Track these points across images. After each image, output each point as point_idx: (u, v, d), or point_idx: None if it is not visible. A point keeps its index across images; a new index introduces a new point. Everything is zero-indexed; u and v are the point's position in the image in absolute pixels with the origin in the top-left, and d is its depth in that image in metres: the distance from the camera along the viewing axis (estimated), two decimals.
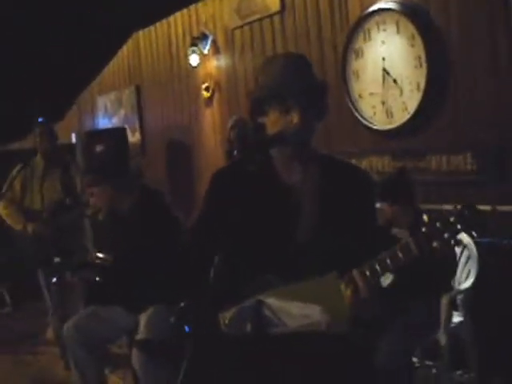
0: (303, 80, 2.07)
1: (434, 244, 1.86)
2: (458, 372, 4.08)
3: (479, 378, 3.93)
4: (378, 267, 1.92)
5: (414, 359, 4.07)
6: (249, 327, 1.91)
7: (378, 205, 3.52)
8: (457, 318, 3.90)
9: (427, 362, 4.16)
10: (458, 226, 1.85)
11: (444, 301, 3.76)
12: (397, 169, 4.32)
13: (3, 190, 5.08)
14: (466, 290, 3.90)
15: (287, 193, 2.10)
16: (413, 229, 1.92)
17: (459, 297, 3.92)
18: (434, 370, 4.11)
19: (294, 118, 2.02)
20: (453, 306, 3.86)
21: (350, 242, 2.02)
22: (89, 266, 3.90)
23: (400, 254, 1.89)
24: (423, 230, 1.88)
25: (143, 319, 3.60)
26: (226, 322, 1.94)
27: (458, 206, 1.88)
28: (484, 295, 3.88)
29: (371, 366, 2.20)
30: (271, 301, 1.91)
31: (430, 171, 4.40)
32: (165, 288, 3.51)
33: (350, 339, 2.00)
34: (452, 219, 1.86)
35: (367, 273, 1.92)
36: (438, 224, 1.87)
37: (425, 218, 1.90)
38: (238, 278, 2.06)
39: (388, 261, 1.91)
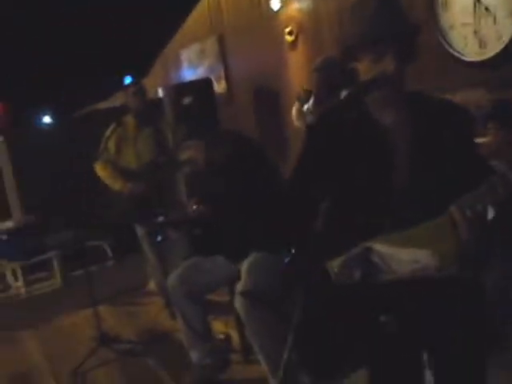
0: (397, 25, 1.98)
1: None
2: None
3: None
4: (476, 202, 1.85)
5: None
6: (358, 275, 1.88)
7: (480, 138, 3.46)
8: None
9: None
10: None
11: None
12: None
13: (99, 151, 5.15)
14: None
15: (383, 136, 2.06)
16: None
17: None
18: None
19: (389, 65, 1.96)
20: None
21: (450, 181, 1.96)
22: (189, 221, 3.96)
23: (499, 187, 1.81)
24: None
25: (244, 268, 3.65)
26: (335, 270, 1.92)
27: None
28: None
29: (482, 306, 2.14)
30: (379, 247, 1.88)
31: None
32: (266, 236, 3.59)
33: (460, 281, 1.95)
34: None
35: (466, 209, 1.85)
36: None
37: None
38: (342, 226, 2.05)
39: (487, 195, 1.83)
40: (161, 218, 4.19)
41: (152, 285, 5.97)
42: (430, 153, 2.01)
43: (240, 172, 3.67)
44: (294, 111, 5.83)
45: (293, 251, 2.15)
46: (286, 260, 2.10)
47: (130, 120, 5.27)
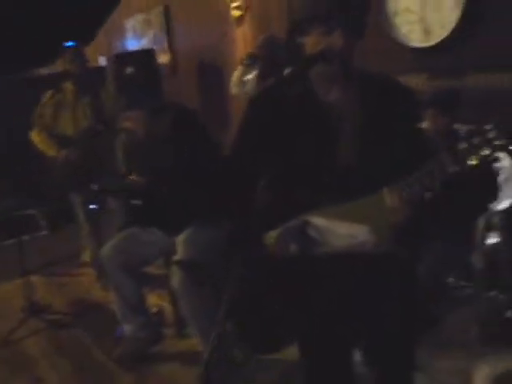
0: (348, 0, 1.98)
1: (472, 160, 1.82)
2: (493, 292, 4.08)
3: None
4: (414, 184, 1.88)
5: (450, 280, 4.08)
6: (294, 247, 1.89)
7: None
8: (492, 239, 3.87)
9: (462, 283, 4.17)
10: (497, 142, 1.80)
11: (480, 221, 3.74)
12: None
13: (34, 118, 5.08)
14: (503, 211, 3.86)
15: (326, 113, 2.05)
16: (449, 145, 1.86)
17: (496, 218, 3.88)
18: (468, 291, 4.12)
19: (338, 38, 1.94)
20: (488, 227, 3.83)
21: (392, 161, 1.98)
22: (126, 190, 3.90)
23: (436, 171, 1.86)
24: (460, 146, 1.83)
25: (181, 240, 3.63)
26: (271, 241, 1.93)
27: (498, 123, 1.81)
28: None
29: (414, 283, 2.19)
30: (317, 220, 1.89)
31: (467, 90, 4.27)
32: (204, 209, 3.58)
33: (395, 259, 1.99)
34: (491, 135, 1.80)
35: (403, 190, 1.89)
36: (475, 140, 1.82)
37: (462, 133, 1.84)
38: (281, 200, 2.05)
39: (424, 177, 1.87)
40: (95, 186, 4.11)
41: (85, 256, 5.90)
42: (375, 131, 2.02)
43: (179, 144, 3.63)
44: (234, 76, 5.81)
45: (233, 223, 2.15)
46: (226, 231, 2.09)
47: (68, 86, 5.15)
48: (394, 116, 2.04)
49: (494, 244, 3.86)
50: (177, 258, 3.55)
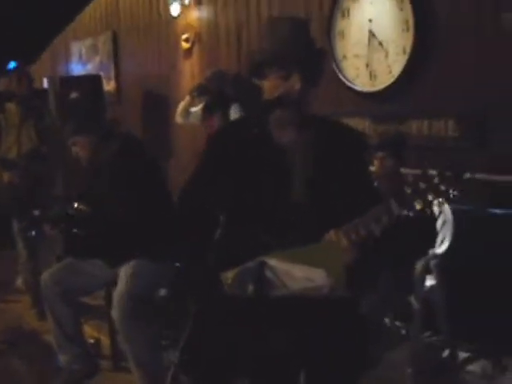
0: (307, 46, 2.08)
1: (417, 205, 1.90)
2: (428, 334, 4.17)
3: (448, 341, 4.03)
4: (361, 227, 1.94)
5: (385, 320, 4.16)
6: (251, 288, 1.91)
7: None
8: (429, 282, 3.97)
9: (397, 323, 4.25)
10: (442, 188, 1.88)
11: (418, 265, 3.84)
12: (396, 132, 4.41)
13: None
14: (440, 254, 3.97)
15: (280, 154, 2.14)
16: (396, 190, 1.94)
17: (433, 261, 3.99)
18: (403, 332, 4.21)
19: (295, 83, 2.05)
20: (426, 270, 3.93)
21: (343, 201, 2.06)
22: (68, 218, 3.84)
23: (383, 215, 1.93)
24: (407, 190, 1.90)
25: (123, 271, 3.59)
26: (229, 281, 1.94)
27: (443, 170, 1.90)
28: (457, 261, 3.95)
29: (361, 323, 2.23)
30: (274, 262, 1.92)
31: (411, 136, 4.42)
32: (147, 241, 3.55)
33: (346, 300, 2.03)
34: (436, 181, 1.89)
35: (351, 233, 1.94)
36: (421, 185, 1.90)
37: (409, 179, 1.92)
38: (238, 239, 2.08)
39: (371, 221, 1.94)
40: (36, 212, 4.03)
41: (20, 282, 5.75)
42: (325, 172, 2.11)
43: (122, 174, 3.61)
44: (180, 106, 5.85)
45: (187, 260, 2.16)
46: (179, 268, 2.10)
47: (12, 107, 5.06)
48: (343, 158, 2.14)
49: (431, 286, 3.96)
50: (117, 291, 3.50)
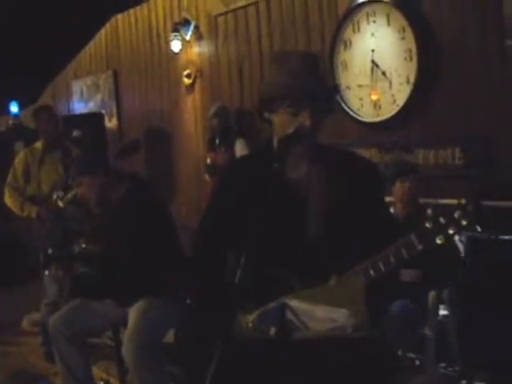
0: (316, 82, 2.04)
1: (438, 240, 1.85)
2: (442, 364, 4.10)
3: (463, 372, 3.96)
4: (380, 264, 1.90)
5: (398, 351, 4.09)
6: (273, 331, 1.87)
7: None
8: (442, 312, 3.92)
9: (410, 355, 4.18)
10: (463, 222, 1.84)
11: (431, 295, 3.79)
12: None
13: (8, 180, 5.09)
14: (453, 284, 3.92)
15: (294, 188, 2.10)
16: (417, 222, 1.90)
17: (445, 291, 3.94)
18: (417, 362, 4.13)
19: (306, 120, 2.01)
20: (439, 300, 3.88)
21: (360, 232, 2.01)
22: (75, 258, 3.80)
23: (403, 250, 1.89)
24: (427, 225, 1.86)
25: (134, 312, 3.53)
26: (250, 325, 1.89)
27: (463, 201, 1.86)
28: (470, 290, 3.90)
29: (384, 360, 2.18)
30: (295, 303, 1.88)
31: (417, 165, 4.39)
32: (157, 281, 3.51)
33: (370, 339, 1.98)
34: (456, 215, 1.84)
35: (370, 270, 1.90)
36: (441, 219, 1.85)
37: (429, 212, 1.88)
38: (256, 279, 2.03)
39: (391, 257, 1.90)
40: (50, 251, 3.98)
41: (26, 323, 5.68)
42: (341, 204, 2.05)
43: (131, 215, 3.58)
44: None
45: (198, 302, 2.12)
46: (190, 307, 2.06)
47: (38, 145, 5.20)
48: (358, 188, 2.09)
49: (444, 316, 3.91)
50: (128, 332, 3.44)
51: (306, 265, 1.98)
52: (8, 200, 5.13)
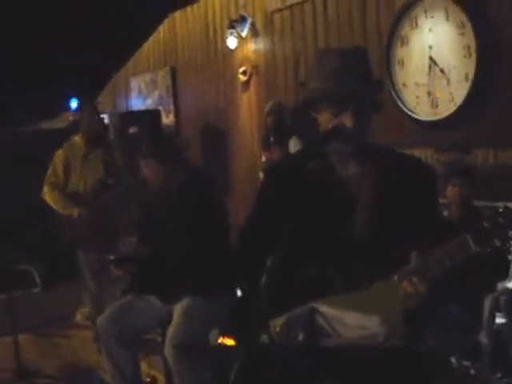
0: (361, 80, 1.98)
1: (495, 241, 1.76)
2: (498, 375, 3.94)
3: None
4: (433, 264, 1.82)
5: (452, 359, 3.95)
6: (301, 336, 1.80)
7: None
8: (499, 319, 3.77)
9: (465, 363, 4.03)
10: None
11: (487, 301, 3.64)
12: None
13: (47, 175, 5.03)
14: (510, 290, 3.76)
15: (343, 187, 2.06)
16: (472, 224, 1.80)
17: (502, 297, 3.78)
18: (472, 371, 3.98)
19: (347, 120, 1.97)
20: (496, 307, 3.74)
21: (409, 234, 1.93)
22: (131, 258, 3.81)
23: (458, 251, 1.80)
24: (485, 224, 1.77)
25: (177, 313, 3.51)
26: (277, 329, 1.83)
27: None
28: None
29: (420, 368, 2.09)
30: (325, 308, 1.81)
31: (475, 166, 4.25)
32: (205, 278, 3.48)
33: (404, 348, 1.89)
34: None
35: (421, 271, 1.82)
36: (500, 219, 1.75)
37: (487, 212, 1.78)
38: (295, 276, 1.98)
39: (445, 257, 1.81)
40: (111, 257, 3.99)
41: (80, 317, 5.74)
42: (392, 205, 2.00)
43: (191, 201, 3.57)
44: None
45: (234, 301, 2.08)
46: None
47: (79, 141, 5.13)
48: (409, 189, 2.02)
49: (501, 324, 3.76)
50: (170, 334, 3.41)
51: (351, 266, 1.92)
52: (49, 197, 5.06)
